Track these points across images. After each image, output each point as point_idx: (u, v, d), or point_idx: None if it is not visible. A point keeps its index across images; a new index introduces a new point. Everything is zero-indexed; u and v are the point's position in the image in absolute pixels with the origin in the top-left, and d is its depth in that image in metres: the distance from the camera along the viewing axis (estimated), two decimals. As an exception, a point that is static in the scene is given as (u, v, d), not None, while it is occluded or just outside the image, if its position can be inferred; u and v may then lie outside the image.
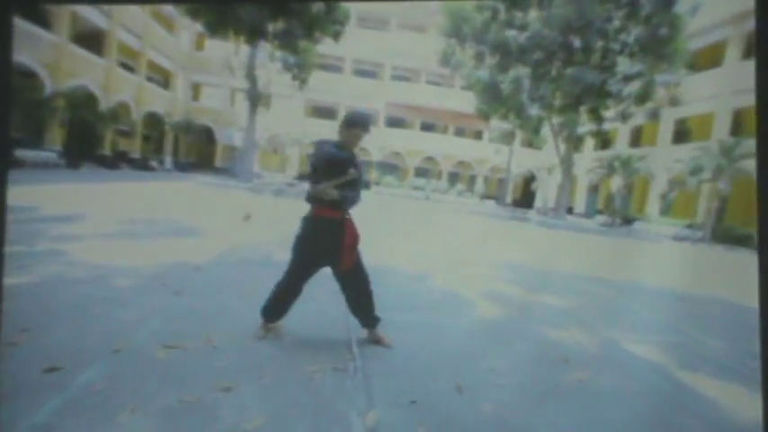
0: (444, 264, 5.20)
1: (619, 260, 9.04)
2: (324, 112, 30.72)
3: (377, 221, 9.40)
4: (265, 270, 3.45)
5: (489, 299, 3.69)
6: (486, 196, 29.94)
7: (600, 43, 16.96)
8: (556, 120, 18.88)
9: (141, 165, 20.31)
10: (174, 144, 25.44)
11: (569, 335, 2.94)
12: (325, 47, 21.14)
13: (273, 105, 26.54)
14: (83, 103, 15.55)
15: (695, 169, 17.33)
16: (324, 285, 2.59)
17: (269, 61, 19.61)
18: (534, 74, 17.60)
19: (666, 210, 19.89)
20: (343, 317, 2.64)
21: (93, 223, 5.13)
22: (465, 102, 26.18)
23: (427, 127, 31.04)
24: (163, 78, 24.66)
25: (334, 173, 2.17)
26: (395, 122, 30.67)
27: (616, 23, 16.25)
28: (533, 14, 17.14)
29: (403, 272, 4.36)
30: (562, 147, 19.76)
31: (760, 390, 1.03)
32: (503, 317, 3.24)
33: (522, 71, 17.47)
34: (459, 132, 31.68)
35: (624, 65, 16.37)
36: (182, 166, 24.77)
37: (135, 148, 20.82)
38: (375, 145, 29.15)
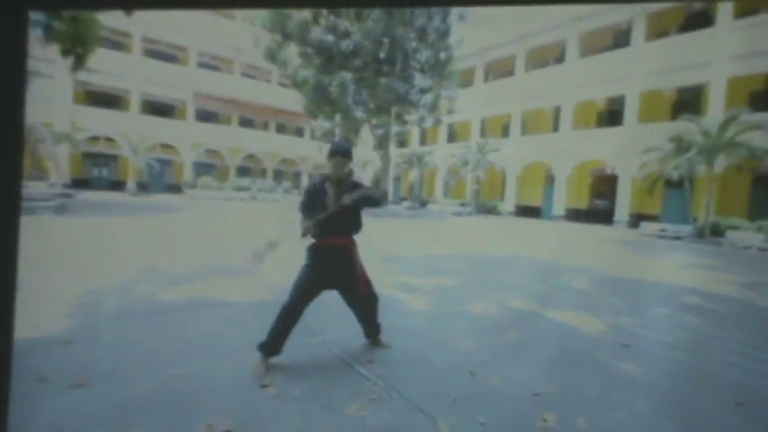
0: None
1: (434, 233, 12.29)
2: (105, 100, 23.30)
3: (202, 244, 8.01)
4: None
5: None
6: None
7: (401, 59, 18.92)
8: (374, 121, 20.11)
9: None
10: None
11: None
12: (110, 18, 15.93)
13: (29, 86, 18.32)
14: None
15: (463, 162, 21.78)
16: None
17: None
18: (356, 79, 18.12)
19: (448, 193, 24.39)
20: (320, 347, 2.59)
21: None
22: (285, 98, 24.75)
23: (246, 123, 27.52)
24: None
25: (317, 206, 2.21)
26: (208, 116, 25.94)
27: (413, 44, 18.44)
28: (355, 25, 17.48)
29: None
30: (377, 144, 21.30)
31: None
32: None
33: (346, 76, 17.68)
34: (281, 129, 29.38)
35: (419, 79, 18.84)
36: None
37: None
38: (186, 142, 24.10)
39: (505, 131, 22.54)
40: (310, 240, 2.33)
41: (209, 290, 3.81)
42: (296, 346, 2.48)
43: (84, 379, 1.96)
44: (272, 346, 2.23)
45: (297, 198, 24.84)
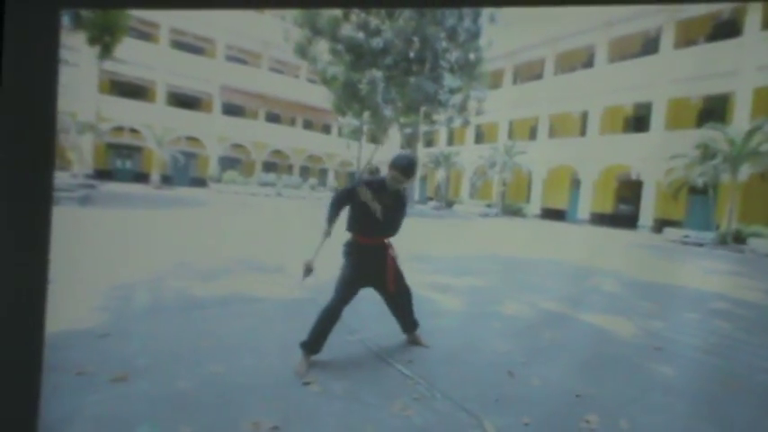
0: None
1: (461, 234, 12.65)
2: (130, 90, 23.46)
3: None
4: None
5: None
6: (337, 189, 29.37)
7: (431, 59, 19.24)
8: (403, 120, 20.49)
9: None
10: None
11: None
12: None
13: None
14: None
15: (490, 164, 22.26)
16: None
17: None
18: (385, 77, 18.47)
19: (474, 194, 24.88)
20: (358, 345, 2.64)
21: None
22: (312, 94, 24.92)
23: (273, 118, 27.48)
24: None
25: (360, 208, 2.25)
26: (234, 110, 25.91)
27: (443, 44, 18.75)
28: (386, 23, 17.74)
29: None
30: (405, 143, 21.73)
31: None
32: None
33: (376, 74, 18.00)
34: (308, 125, 29.40)
35: (449, 79, 19.21)
36: None
37: None
38: (212, 136, 24.35)
39: (533, 134, 22.95)
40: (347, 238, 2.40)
41: (241, 286, 3.77)
42: (335, 344, 2.52)
43: (124, 373, 1.97)
44: (313, 344, 2.27)
45: (323, 195, 25.26)
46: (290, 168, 28.19)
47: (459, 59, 19.27)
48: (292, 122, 28.90)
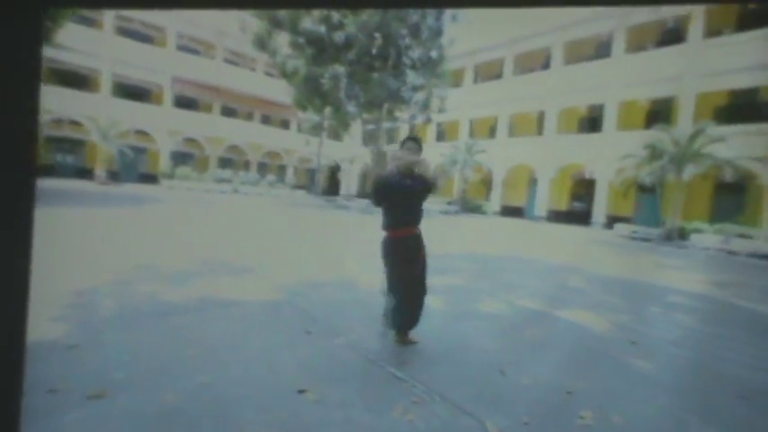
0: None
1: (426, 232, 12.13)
2: (71, 80, 21.67)
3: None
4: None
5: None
6: (296, 186, 28.45)
7: (394, 55, 19.04)
8: (365, 116, 20.15)
9: None
10: None
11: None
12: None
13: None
14: None
15: (452, 161, 22.38)
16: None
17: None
18: (348, 73, 18.06)
19: (435, 191, 24.93)
20: (346, 348, 2.56)
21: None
22: (270, 87, 24.09)
23: (229, 112, 26.42)
24: None
25: (397, 197, 2.48)
26: (187, 103, 24.72)
27: (406, 41, 18.60)
28: (349, 17, 17.33)
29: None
30: (367, 140, 21.40)
31: None
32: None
33: (339, 69, 17.56)
34: (266, 120, 28.51)
35: (412, 77, 19.09)
36: None
37: None
38: (163, 129, 22.94)
39: (492, 133, 23.33)
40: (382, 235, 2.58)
41: (212, 289, 3.62)
42: (322, 348, 2.48)
43: (101, 389, 1.79)
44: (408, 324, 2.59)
45: (282, 192, 24.47)
46: (246, 164, 27.16)
47: (421, 57, 19.20)
48: (249, 117, 27.90)
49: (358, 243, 7.98)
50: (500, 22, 21.84)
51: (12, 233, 0.70)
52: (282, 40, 19.19)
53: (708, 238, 14.34)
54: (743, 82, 15.48)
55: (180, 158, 24.22)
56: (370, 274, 4.69)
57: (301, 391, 1.93)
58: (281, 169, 29.48)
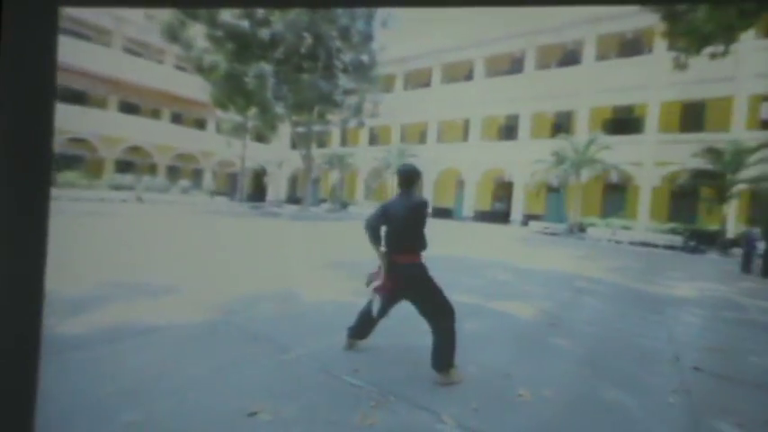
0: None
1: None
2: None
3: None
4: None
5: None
6: (216, 192, 25.86)
7: (324, 57, 18.93)
8: (295, 118, 19.66)
9: None
10: None
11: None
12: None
13: None
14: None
15: (385, 165, 22.99)
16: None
17: None
18: (275, 72, 17.50)
19: (369, 195, 25.32)
20: (296, 363, 2.54)
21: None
22: (182, 83, 22.09)
23: (130, 108, 22.99)
24: None
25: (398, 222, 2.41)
26: (75, 97, 20.83)
27: (336, 43, 18.63)
28: (275, 14, 16.78)
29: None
30: (297, 143, 20.91)
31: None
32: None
33: (265, 67, 16.90)
34: (177, 119, 25.45)
35: (344, 80, 19.17)
36: None
37: None
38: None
39: (423, 138, 24.45)
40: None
41: (128, 315, 3.23)
42: (270, 365, 2.40)
43: None
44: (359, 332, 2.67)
45: (198, 199, 22.45)
46: (152, 168, 23.79)
47: (353, 60, 19.41)
48: (156, 114, 24.73)
49: (296, 251, 7.74)
50: (427, 33, 23.08)
51: (28, 234, 0.75)
52: (198, 31, 17.77)
53: (600, 230, 16.85)
54: (622, 99, 18.56)
55: (63, 162, 20.40)
56: (313, 285, 4.56)
57: (252, 414, 1.82)
58: (198, 174, 26.54)
